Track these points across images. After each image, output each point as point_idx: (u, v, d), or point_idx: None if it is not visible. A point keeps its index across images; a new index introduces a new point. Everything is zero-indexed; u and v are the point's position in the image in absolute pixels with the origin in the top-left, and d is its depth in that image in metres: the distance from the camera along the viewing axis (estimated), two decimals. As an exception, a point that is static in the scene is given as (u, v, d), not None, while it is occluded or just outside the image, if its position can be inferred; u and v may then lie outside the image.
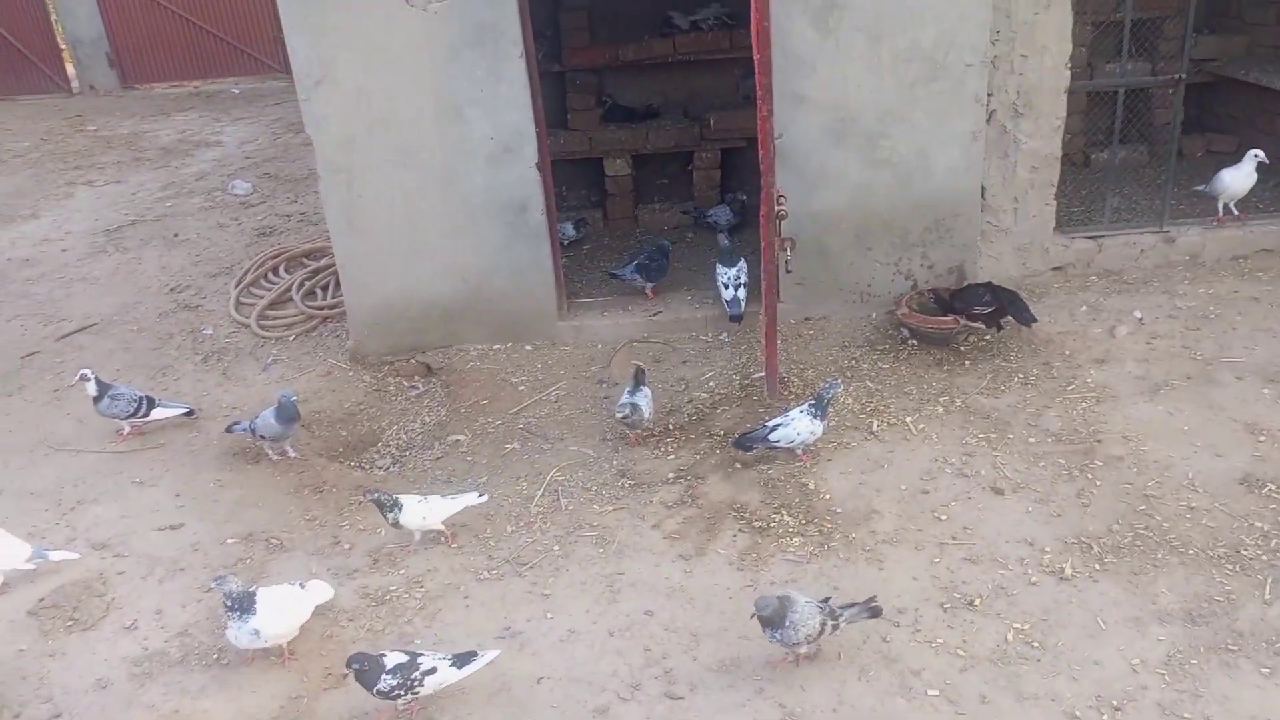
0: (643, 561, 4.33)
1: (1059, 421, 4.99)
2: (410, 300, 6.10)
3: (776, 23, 5.43)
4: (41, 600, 4.25)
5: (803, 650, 3.64)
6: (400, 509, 4.38)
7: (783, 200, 5.13)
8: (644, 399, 5.09)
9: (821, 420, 4.83)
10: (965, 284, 5.83)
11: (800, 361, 5.76)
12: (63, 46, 15.94)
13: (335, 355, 6.34)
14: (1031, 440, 4.89)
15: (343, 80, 5.60)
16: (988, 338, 5.69)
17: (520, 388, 5.82)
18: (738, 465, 4.92)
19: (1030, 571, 4.07)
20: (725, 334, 6.13)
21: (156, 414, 5.46)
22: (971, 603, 3.93)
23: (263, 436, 5.11)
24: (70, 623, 4.13)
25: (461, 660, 3.59)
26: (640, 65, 7.96)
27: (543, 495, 4.83)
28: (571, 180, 8.44)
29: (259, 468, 5.21)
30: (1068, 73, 5.75)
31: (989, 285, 5.60)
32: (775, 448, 4.87)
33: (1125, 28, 6.05)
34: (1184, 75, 6.10)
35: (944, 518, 4.43)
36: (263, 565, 4.44)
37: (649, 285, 6.46)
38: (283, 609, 3.81)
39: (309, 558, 4.48)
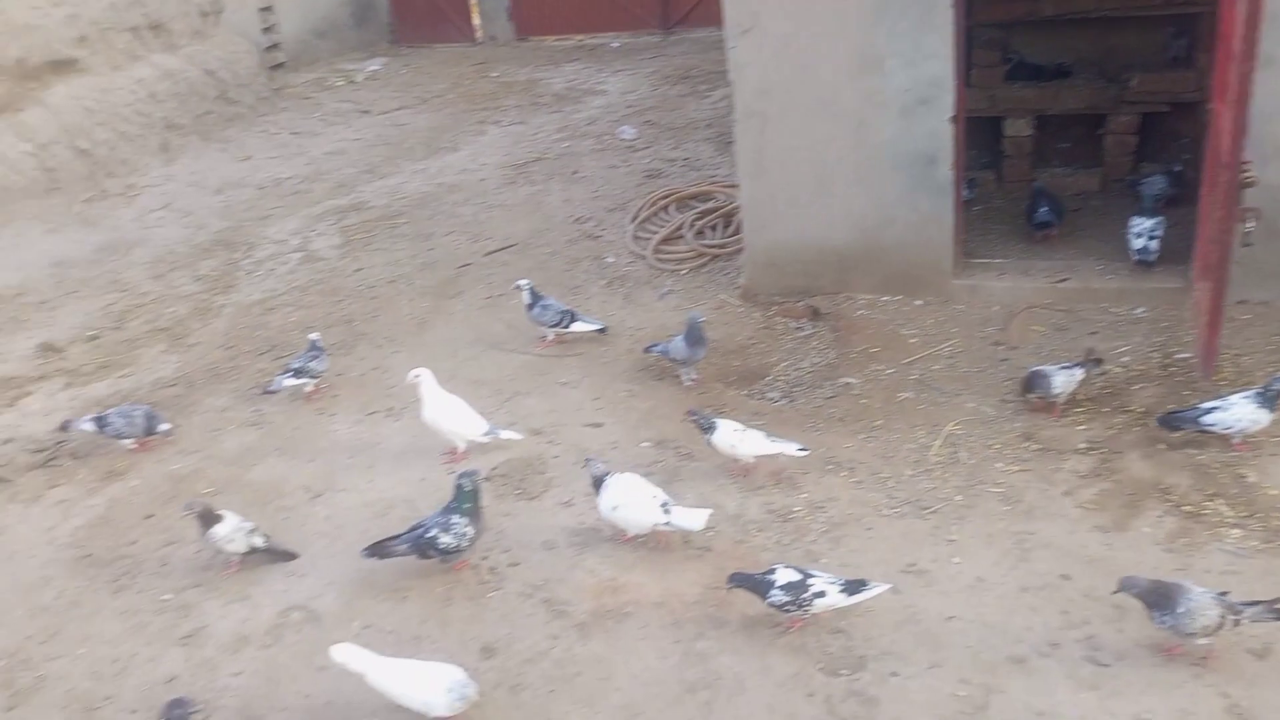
0: (1055, 526, 4.20)
1: None
2: (806, 244, 6.26)
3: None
4: (494, 469, 4.92)
5: (1200, 643, 3.40)
6: (714, 431, 4.59)
7: (1248, 167, 4.66)
8: (1064, 375, 4.87)
9: (1269, 411, 4.39)
10: None
11: (1232, 347, 5.25)
12: (471, 1, 17.68)
13: (725, 291, 6.66)
14: None
15: (769, 30, 5.79)
16: None
17: (911, 340, 5.81)
18: (1160, 445, 4.61)
19: None
20: (1142, 307, 5.72)
21: (576, 327, 6.05)
22: None
23: (674, 359, 5.51)
24: (518, 491, 4.75)
25: (852, 588, 3.71)
26: (1055, 20, 7.50)
27: (940, 446, 4.82)
28: (964, 138, 8.15)
29: (664, 384, 5.63)
30: None
31: None
32: (1208, 431, 4.51)
33: None
34: None
35: None
36: (675, 470, 4.82)
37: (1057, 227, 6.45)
38: (620, 497, 4.17)
39: (716, 471, 4.79)
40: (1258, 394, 4.42)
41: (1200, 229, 5.42)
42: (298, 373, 5.61)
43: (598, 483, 4.25)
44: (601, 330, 6.11)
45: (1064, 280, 5.97)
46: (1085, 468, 4.54)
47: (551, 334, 6.12)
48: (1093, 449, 4.66)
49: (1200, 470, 4.41)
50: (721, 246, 7.22)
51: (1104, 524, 4.17)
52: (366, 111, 12.67)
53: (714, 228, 7.54)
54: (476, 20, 17.84)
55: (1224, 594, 3.47)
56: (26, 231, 8.64)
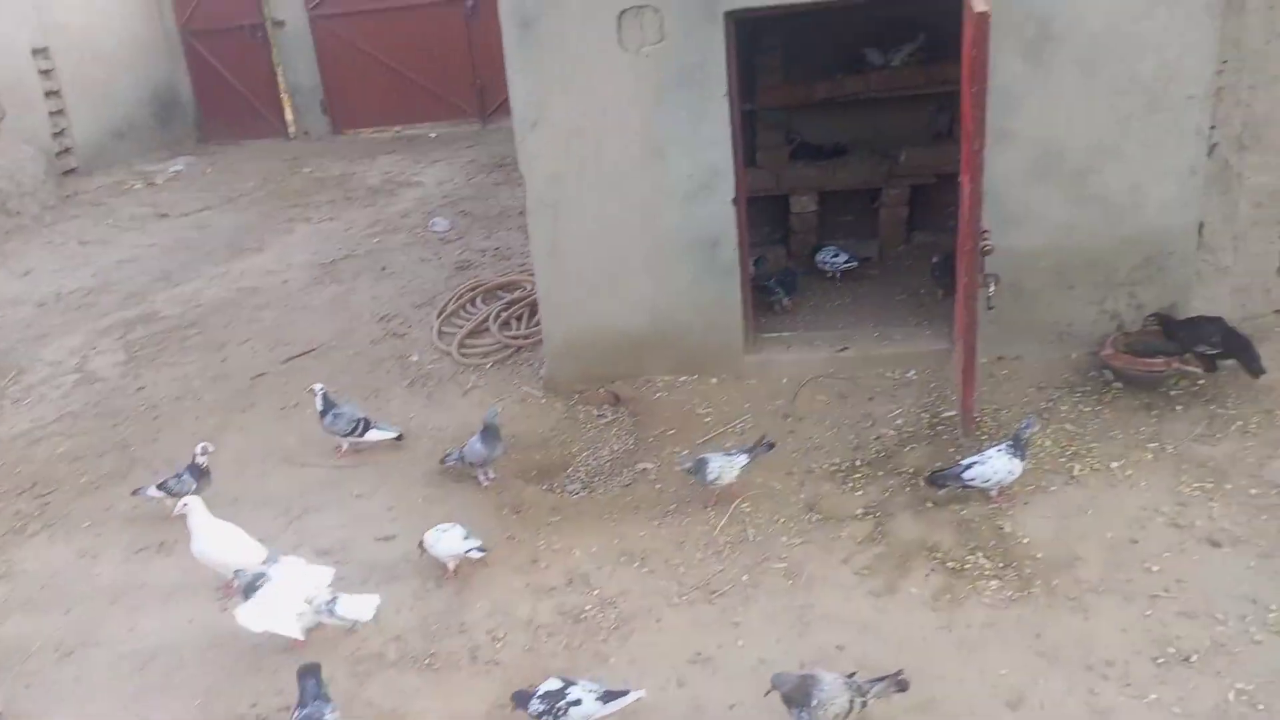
0: (832, 595, 4.33)
1: (1287, 473, 4.65)
2: (603, 331, 6.34)
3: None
4: (275, 597, 4.66)
5: None
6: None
7: (987, 235, 5.05)
8: (723, 461, 4.95)
9: (1020, 460, 4.69)
10: (1194, 316, 5.51)
11: (993, 401, 5.60)
12: (283, 95, 17.41)
13: (529, 383, 6.65)
14: (1253, 492, 4.57)
15: (557, 122, 5.92)
16: (1201, 381, 5.36)
17: (706, 419, 5.93)
18: (928, 504, 4.84)
19: (1253, 629, 3.81)
20: (913, 370, 6.04)
21: (371, 435, 5.88)
22: (1187, 659, 3.72)
23: (472, 463, 5.43)
24: (300, 620, 4.51)
25: (609, 696, 3.70)
26: (830, 103, 8.00)
27: (727, 524, 4.91)
28: (755, 217, 8.48)
29: (463, 486, 5.53)
30: (1301, 103, 5.40)
31: (1220, 324, 5.26)
32: (969, 487, 4.76)
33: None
34: None
35: (1155, 569, 4.21)
36: (468, 578, 4.70)
37: (788, 298, 6.93)
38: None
39: (510, 574, 4.72)
40: (1009, 445, 4.72)
41: (957, 294, 5.81)
42: (161, 486, 5.34)
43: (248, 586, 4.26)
44: (398, 437, 5.97)
45: (844, 350, 6.26)
46: (862, 533, 4.71)
47: (345, 443, 5.93)
48: (868, 513, 4.84)
49: (963, 525, 4.64)
50: (526, 337, 7.22)
51: (877, 588, 4.32)
52: (165, 215, 12.18)
53: (519, 318, 7.54)
54: (290, 115, 17.55)
55: (852, 675, 3.61)
56: None
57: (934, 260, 6.72)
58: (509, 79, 5.83)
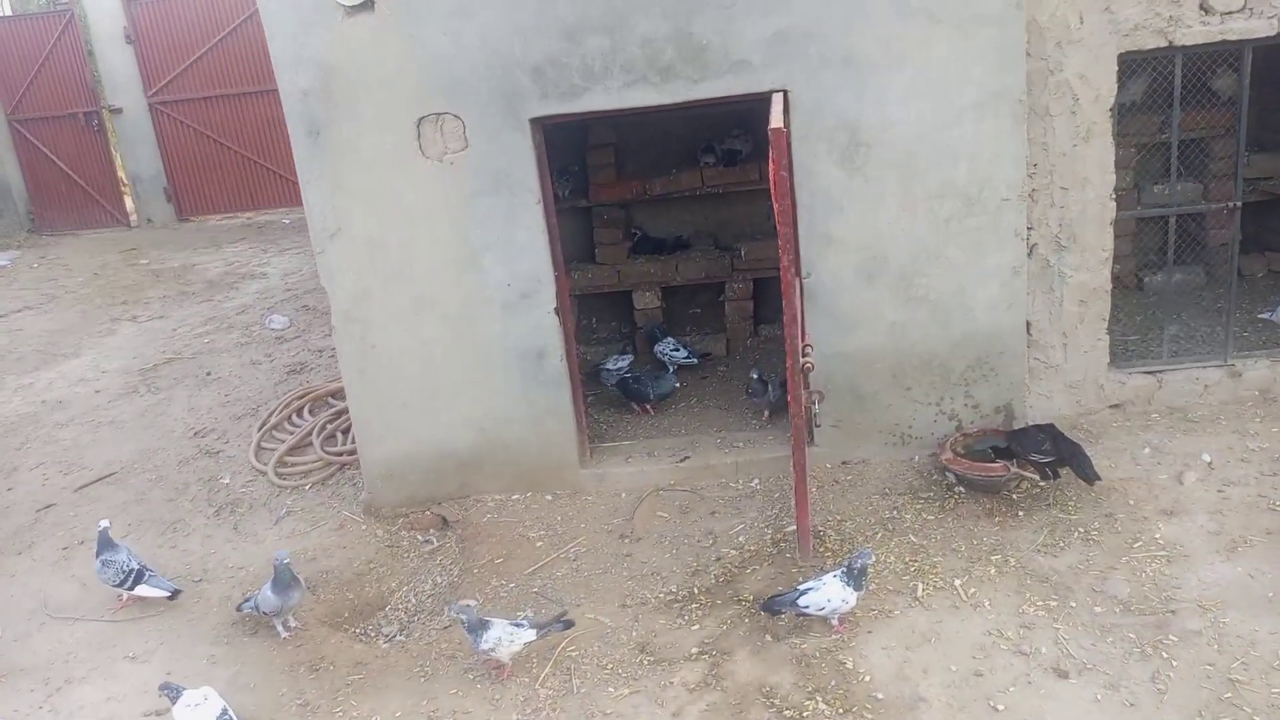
0: (658, 760, 3.90)
1: (1126, 587, 4.48)
2: (425, 450, 5.86)
3: (802, 163, 5.27)
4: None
5: None
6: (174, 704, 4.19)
7: (809, 351, 4.83)
8: (506, 632, 4.33)
9: (855, 590, 4.40)
10: (1026, 425, 5.40)
11: (837, 512, 5.35)
12: (124, 183, 16.49)
13: (350, 506, 6.09)
14: (1097, 609, 4.39)
15: (357, 233, 5.52)
16: (1042, 485, 5.23)
17: (538, 544, 5.48)
18: (768, 637, 4.49)
19: (1100, 779, 3.55)
20: (756, 479, 5.75)
21: (142, 590, 5.13)
22: (1033, 820, 3.42)
23: (265, 613, 4.82)
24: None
25: None
26: (669, 198, 7.84)
27: (550, 673, 4.44)
28: (601, 313, 8.28)
29: (256, 640, 4.91)
30: (1113, 204, 5.43)
31: (1051, 431, 5.14)
32: (806, 614, 4.45)
33: (1173, 151, 5.73)
34: (1238, 203, 5.72)
35: (1001, 707, 3.93)
36: (249, 759, 4.10)
37: (637, 405, 6.67)
38: None
39: (298, 751, 4.13)
40: (843, 573, 4.43)
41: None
42: None
43: None
44: (172, 595, 5.21)
45: (685, 459, 5.93)
46: (696, 677, 4.31)
47: (124, 593, 5.23)
48: (704, 652, 4.45)
49: (804, 662, 4.30)
50: (351, 453, 6.65)
51: (706, 750, 3.91)
52: (-24, 318, 11.16)
53: (346, 431, 6.98)
54: (130, 203, 16.62)
55: None
56: None
57: (753, 376, 6.28)
58: (302, 189, 5.41)
